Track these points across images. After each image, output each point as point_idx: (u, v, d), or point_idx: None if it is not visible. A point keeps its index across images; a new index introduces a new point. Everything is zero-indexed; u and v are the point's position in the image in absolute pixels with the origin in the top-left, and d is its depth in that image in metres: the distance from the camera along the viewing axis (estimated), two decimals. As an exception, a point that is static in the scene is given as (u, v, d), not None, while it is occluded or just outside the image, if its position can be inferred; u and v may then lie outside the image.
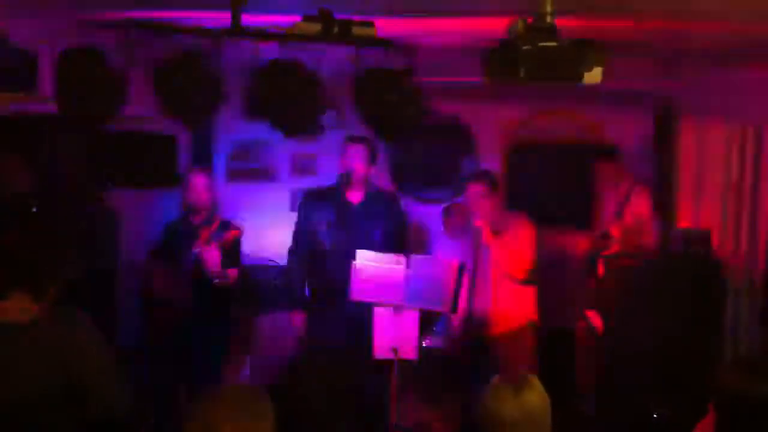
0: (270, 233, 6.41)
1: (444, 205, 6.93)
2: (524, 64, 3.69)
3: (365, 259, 4.92)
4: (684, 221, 6.31)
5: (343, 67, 3.87)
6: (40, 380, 3.02)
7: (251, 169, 6.99)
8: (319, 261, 5.46)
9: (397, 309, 4.96)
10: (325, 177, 6.25)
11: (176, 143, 6.30)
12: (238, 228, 5.22)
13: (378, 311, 5.07)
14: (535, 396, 2.94)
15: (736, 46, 4.49)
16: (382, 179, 6.53)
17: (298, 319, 5.54)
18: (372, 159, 5.44)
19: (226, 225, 5.41)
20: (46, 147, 5.44)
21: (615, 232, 6.11)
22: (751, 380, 2.80)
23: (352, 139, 5.39)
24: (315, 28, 3.78)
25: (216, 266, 5.19)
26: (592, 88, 6.66)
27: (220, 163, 6.83)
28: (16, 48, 3.76)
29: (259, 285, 6.64)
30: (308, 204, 5.54)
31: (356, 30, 3.81)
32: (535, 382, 3.01)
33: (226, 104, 4.08)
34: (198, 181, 5.37)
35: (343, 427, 5.17)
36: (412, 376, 5.48)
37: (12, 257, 3.17)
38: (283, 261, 5.83)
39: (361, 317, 5.28)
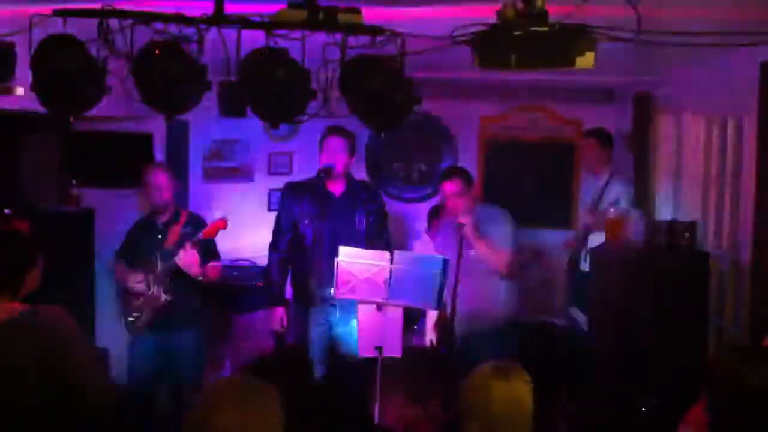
0: (247, 233, 6.30)
1: (431, 206, 6.84)
2: (515, 50, 3.64)
3: (348, 256, 4.82)
4: (665, 214, 6.31)
5: (329, 55, 3.78)
6: (26, 377, 3.01)
7: (227, 168, 6.89)
8: (300, 255, 5.34)
9: (381, 306, 4.88)
10: (301, 176, 6.14)
11: (152, 142, 6.18)
12: (223, 218, 5.11)
13: (362, 309, 4.99)
14: (520, 385, 2.91)
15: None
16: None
17: (278, 314, 5.42)
18: (351, 151, 5.36)
19: (194, 218, 5.31)
20: (18, 147, 5.31)
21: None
22: (744, 368, 2.77)
23: (331, 132, 5.30)
24: (300, 15, 3.69)
25: (197, 267, 5.08)
26: (569, 84, 6.73)
27: (196, 162, 6.71)
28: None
29: (237, 286, 6.54)
30: (289, 197, 5.43)
31: (342, 17, 3.73)
32: (522, 372, 2.98)
33: (203, 103, 3.98)
34: (160, 180, 5.22)
35: (325, 427, 5.08)
36: (397, 375, 5.39)
37: None
38: (260, 261, 5.71)
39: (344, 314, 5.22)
